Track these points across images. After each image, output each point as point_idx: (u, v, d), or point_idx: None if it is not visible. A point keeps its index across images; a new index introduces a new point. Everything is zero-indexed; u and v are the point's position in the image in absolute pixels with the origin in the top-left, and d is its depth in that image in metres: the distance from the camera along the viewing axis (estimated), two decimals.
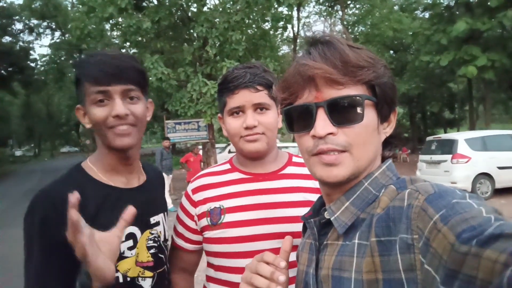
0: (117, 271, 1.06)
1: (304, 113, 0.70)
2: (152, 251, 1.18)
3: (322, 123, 0.68)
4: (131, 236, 1.12)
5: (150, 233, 1.19)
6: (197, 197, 1.29)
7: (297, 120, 0.73)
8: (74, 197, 0.76)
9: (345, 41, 0.71)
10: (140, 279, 1.13)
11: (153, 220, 1.22)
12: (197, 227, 1.28)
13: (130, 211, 0.87)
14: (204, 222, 1.24)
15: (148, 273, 1.16)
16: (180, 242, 1.33)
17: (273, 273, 0.72)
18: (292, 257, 0.86)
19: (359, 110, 0.67)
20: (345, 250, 0.68)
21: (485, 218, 0.49)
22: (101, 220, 0.99)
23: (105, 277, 0.80)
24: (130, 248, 1.11)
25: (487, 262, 0.43)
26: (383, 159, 0.78)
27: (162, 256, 1.23)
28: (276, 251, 0.79)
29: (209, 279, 1.28)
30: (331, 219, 0.72)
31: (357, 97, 0.67)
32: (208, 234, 1.23)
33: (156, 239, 1.21)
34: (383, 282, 0.60)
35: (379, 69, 0.69)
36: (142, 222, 1.16)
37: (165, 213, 1.30)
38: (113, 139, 1.07)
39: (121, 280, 1.08)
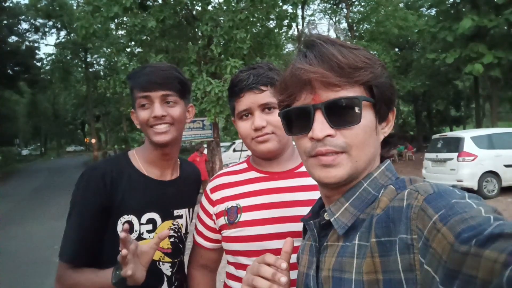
0: None
1: (302, 115, 0.70)
2: (172, 239, 1.35)
3: (320, 125, 0.67)
4: (151, 221, 1.30)
5: (172, 223, 1.35)
6: (215, 196, 1.31)
7: (295, 122, 0.73)
8: (125, 231, 0.97)
9: (341, 42, 0.70)
10: (160, 263, 1.32)
11: (176, 212, 1.38)
12: (216, 226, 1.30)
13: (165, 233, 1.06)
14: (222, 221, 1.26)
15: (167, 259, 1.33)
16: (200, 240, 1.36)
17: (275, 275, 0.71)
18: (293, 259, 0.86)
19: (356, 111, 0.67)
20: (345, 251, 0.68)
21: (485, 218, 0.49)
22: (127, 200, 1.25)
23: (137, 280, 1.05)
24: (149, 231, 1.29)
25: (487, 262, 0.43)
26: (382, 158, 0.77)
27: (181, 246, 1.40)
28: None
29: (230, 276, 1.29)
30: (331, 220, 0.72)
31: (355, 99, 0.67)
32: (226, 232, 1.25)
33: (176, 229, 1.37)
34: (383, 282, 0.60)
35: (376, 70, 0.69)
36: (164, 211, 1.33)
37: (191, 208, 1.46)
38: (153, 136, 1.27)
39: None
